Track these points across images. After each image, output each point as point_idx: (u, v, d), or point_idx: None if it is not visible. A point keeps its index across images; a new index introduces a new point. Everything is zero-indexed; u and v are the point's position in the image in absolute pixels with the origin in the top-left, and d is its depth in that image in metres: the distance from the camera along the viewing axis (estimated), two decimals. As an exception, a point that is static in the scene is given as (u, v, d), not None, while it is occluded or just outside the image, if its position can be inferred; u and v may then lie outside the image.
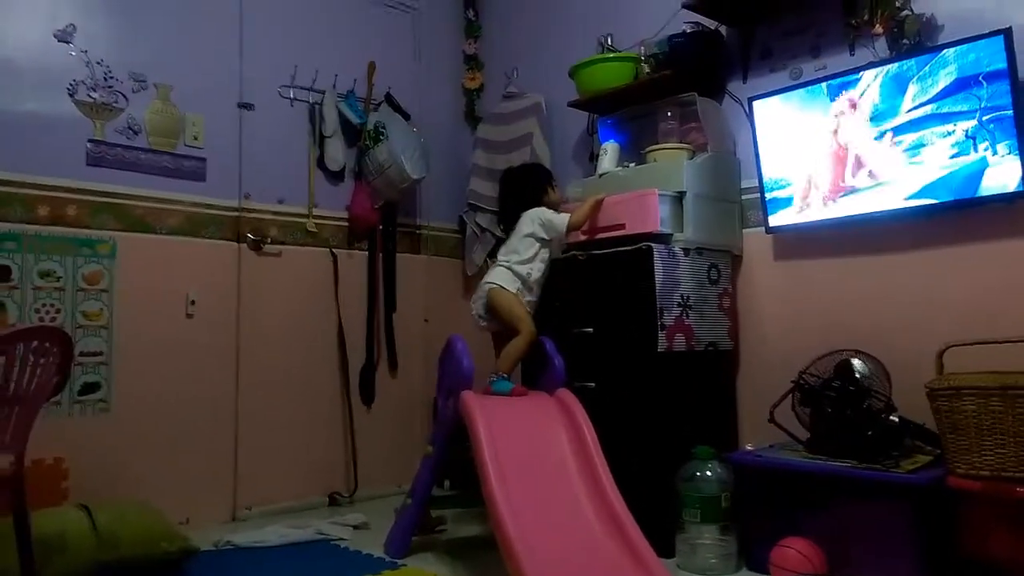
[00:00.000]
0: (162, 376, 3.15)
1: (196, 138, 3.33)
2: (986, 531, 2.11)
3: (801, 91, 2.84)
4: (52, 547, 2.30)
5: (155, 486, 3.04)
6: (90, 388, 2.99)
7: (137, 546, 2.46)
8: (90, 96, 3.06)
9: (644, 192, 2.92)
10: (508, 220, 3.18)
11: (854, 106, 2.70)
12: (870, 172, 2.68)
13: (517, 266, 2.98)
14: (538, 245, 3.01)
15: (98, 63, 3.09)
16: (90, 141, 3.06)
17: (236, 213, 3.41)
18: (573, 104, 3.54)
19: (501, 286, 2.95)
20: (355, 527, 3.12)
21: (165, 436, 3.15)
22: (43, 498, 2.61)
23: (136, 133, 3.19)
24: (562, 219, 3.01)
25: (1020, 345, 2.18)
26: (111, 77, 3.12)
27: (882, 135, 2.64)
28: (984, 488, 2.11)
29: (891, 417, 2.43)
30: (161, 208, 3.21)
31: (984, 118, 2.40)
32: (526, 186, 3.16)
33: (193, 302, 3.25)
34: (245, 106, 3.47)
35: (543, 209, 3.05)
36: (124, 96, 3.16)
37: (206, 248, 3.32)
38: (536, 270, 3.00)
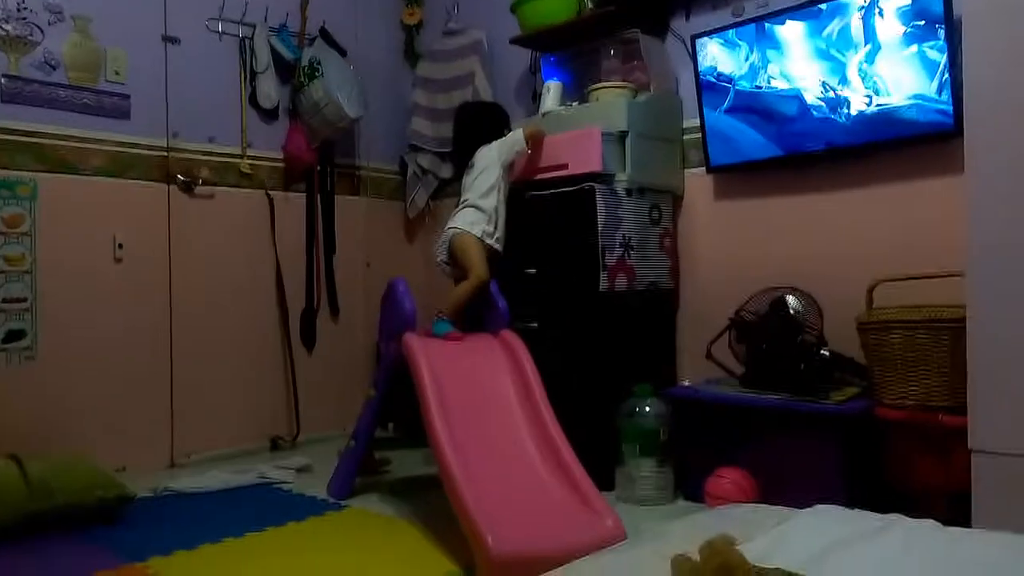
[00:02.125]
0: (91, 322, 3.05)
1: (118, 73, 3.15)
2: (910, 458, 2.21)
3: (740, 29, 2.83)
4: (-19, 498, 2.23)
5: (89, 435, 2.97)
6: (14, 336, 2.87)
7: (71, 494, 2.40)
8: (2, 28, 2.87)
9: (587, 131, 2.90)
10: (463, 157, 3.11)
11: (798, 39, 2.70)
12: (806, 111, 2.70)
13: (480, 200, 2.93)
14: (498, 173, 2.96)
15: (9, -8, 2.89)
16: (4, 76, 2.88)
17: (164, 153, 3.27)
18: (515, 41, 3.47)
19: (464, 230, 2.89)
20: (298, 470, 3.11)
21: (97, 383, 3.06)
22: (-31, 450, 2.52)
23: (54, 68, 3.01)
24: (517, 133, 2.99)
25: (946, 280, 2.25)
26: (24, 8, 2.93)
27: (824, 67, 2.65)
28: (909, 417, 2.20)
29: (823, 351, 2.50)
30: (83, 148, 3.05)
31: (924, 49, 2.43)
32: (485, 124, 3.10)
33: (121, 245, 3.13)
34: (170, 40, 3.30)
35: (496, 141, 3.01)
36: (39, 28, 2.97)
37: (133, 189, 3.18)
38: (500, 202, 2.96)
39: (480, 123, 3.12)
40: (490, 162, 2.98)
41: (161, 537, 2.32)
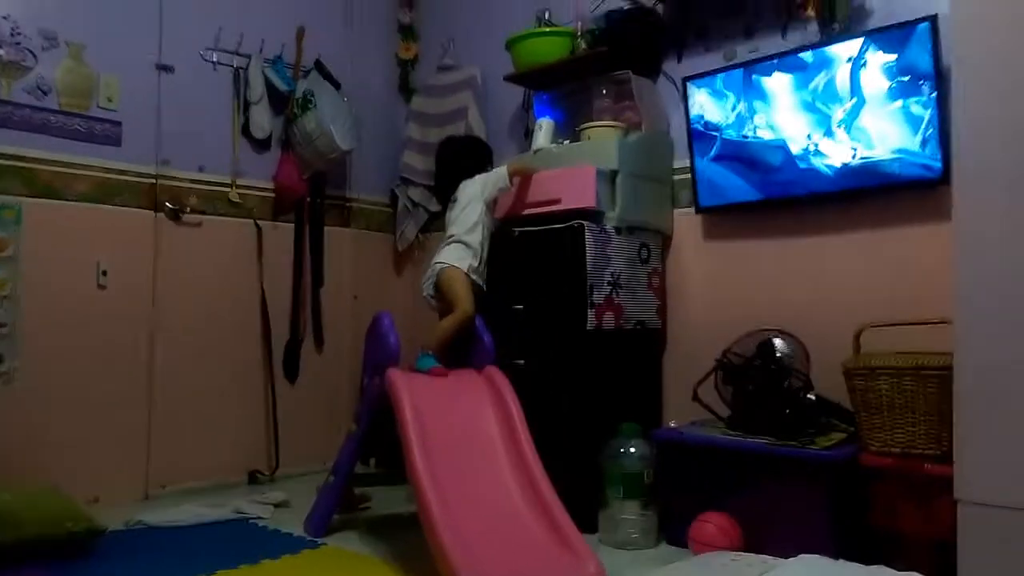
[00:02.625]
0: (71, 349, 3.01)
1: (111, 100, 3.16)
2: (895, 505, 2.18)
3: (732, 73, 2.85)
4: (-55, 528, 2.18)
5: (63, 463, 2.91)
6: (-8, 360, 2.83)
7: (39, 526, 2.34)
8: (-5, 53, 2.88)
9: (581, 168, 2.90)
10: (445, 191, 3.13)
11: (784, 91, 2.73)
12: (796, 156, 2.71)
13: (466, 236, 2.94)
14: (481, 209, 2.98)
15: (4, 18, 2.89)
16: (-5, 101, 2.88)
17: (152, 180, 3.26)
18: (509, 78, 3.50)
19: (452, 265, 2.89)
20: (275, 505, 3.04)
21: (73, 411, 3.00)
22: (-62, 477, 2.47)
23: (46, 93, 3.01)
24: (500, 170, 3.01)
25: (934, 327, 2.24)
26: (18, 33, 2.93)
27: (809, 120, 2.67)
28: (895, 464, 2.18)
29: (809, 395, 2.48)
30: (70, 173, 3.04)
31: (908, 104, 2.45)
32: (468, 158, 3.14)
33: (105, 272, 3.10)
34: (164, 68, 3.31)
35: (477, 176, 3.04)
36: (33, 54, 2.97)
37: (119, 216, 3.16)
38: (484, 237, 2.98)
39: (462, 158, 3.16)
40: (472, 197, 2.99)
41: (130, 572, 2.27)
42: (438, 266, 2.92)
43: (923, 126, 2.42)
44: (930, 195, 2.45)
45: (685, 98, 2.98)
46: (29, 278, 2.91)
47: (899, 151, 2.48)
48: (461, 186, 3.03)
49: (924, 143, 2.42)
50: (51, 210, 2.98)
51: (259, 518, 2.90)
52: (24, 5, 2.94)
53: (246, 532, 2.76)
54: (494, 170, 3.04)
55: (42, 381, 2.93)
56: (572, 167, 2.94)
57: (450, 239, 2.97)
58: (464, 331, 2.83)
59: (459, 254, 2.91)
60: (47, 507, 2.42)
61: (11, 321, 2.87)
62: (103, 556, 2.43)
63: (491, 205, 3.02)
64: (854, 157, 2.57)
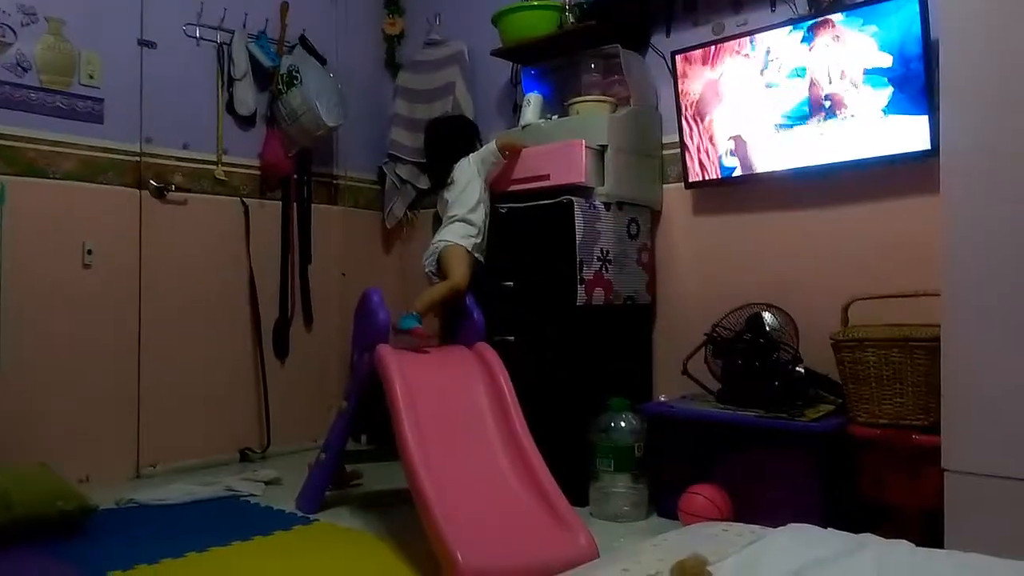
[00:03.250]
0: (57, 329, 2.98)
1: (92, 77, 3.10)
2: (883, 475, 2.21)
3: (720, 45, 2.84)
4: (-66, 509, 2.16)
5: (52, 443, 2.90)
6: (-23, 342, 2.80)
7: (30, 506, 2.33)
8: (-28, 28, 2.82)
9: (570, 143, 2.89)
10: (437, 173, 3.12)
11: (772, 64, 2.72)
12: (785, 130, 2.71)
13: (470, 215, 2.94)
14: (480, 187, 2.98)
15: (-20, -8, 2.84)
16: (-26, 77, 2.83)
17: (137, 158, 3.22)
18: (497, 53, 3.46)
19: (455, 242, 2.89)
20: (267, 483, 3.05)
21: (62, 391, 2.99)
22: (-74, 458, 2.45)
23: (25, 70, 2.95)
24: (490, 145, 3.01)
25: (922, 299, 2.26)
26: (-3, 8, 2.88)
27: (797, 90, 2.67)
28: (882, 435, 2.20)
29: (798, 368, 2.50)
30: (54, 151, 3.00)
31: (897, 77, 2.44)
32: (455, 138, 3.13)
33: (90, 251, 3.07)
34: (146, 44, 3.26)
35: (471, 155, 3.04)
36: (11, 29, 2.91)
37: (104, 194, 3.12)
38: (486, 214, 2.98)
39: (450, 139, 3.14)
40: (471, 176, 2.98)
41: (122, 551, 2.25)
42: (441, 244, 2.91)
43: (912, 98, 2.42)
44: (918, 167, 2.45)
45: (674, 71, 2.96)
46: (13, 258, 2.87)
47: (887, 122, 2.47)
48: (456, 167, 3.02)
49: (914, 116, 2.42)
50: (35, 189, 2.95)
51: (251, 495, 2.91)
52: (1, -21, 2.88)
53: (238, 509, 2.77)
54: (485, 147, 3.03)
55: (29, 361, 2.91)
56: (562, 142, 2.93)
57: (452, 218, 2.96)
58: (452, 301, 2.84)
59: (463, 232, 2.92)
60: (37, 486, 2.41)
61: (-4, 301, 2.85)
62: (95, 534, 2.43)
63: (488, 182, 3.01)
64: (843, 130, 2.57)
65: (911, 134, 2.42)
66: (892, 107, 2.46)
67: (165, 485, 2.94)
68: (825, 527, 1.63)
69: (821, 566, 1.39)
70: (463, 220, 2.93)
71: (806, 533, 1.58)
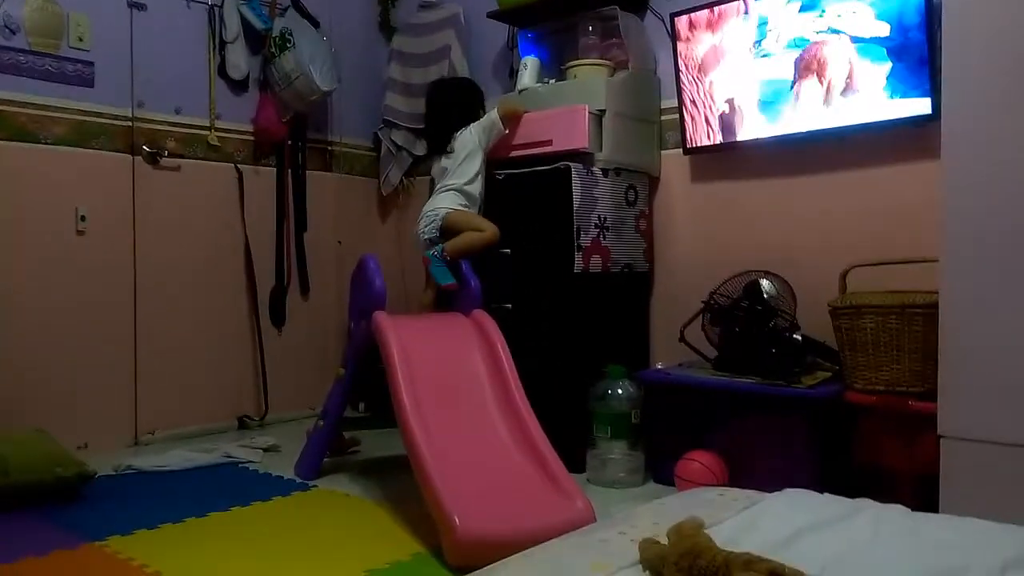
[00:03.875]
0: (52, 296, 2.96)
1: (81, 39, 3.05)
2: (879, 441, 2.22)
3: (720, 8, 2.79)
4: (-69, 475, 2.17)
5: (50, 410, 2.89)
6: (-29, 308, 2.79)
7: (28, 472, 2.34)
8: (-43, -12, 2.76)
9: (573, 108, 2.85)
10: (438, 137, 3.07)
11: (770, 30, 2.68)
12: (783, 94, 2.68)
13: (467, 187, 2.92)
14: (481, 159, 2.95)
15: (-36, -50, 2.77)
16: (-39, 39, 2.78)
17: (128, 123, 3.17)
18: (493, 15, 3.40)
19: (454, 208, 2.88)
20: (265, 450, 3.06)
21: (58, 358, 2.98)
22: (-78, 425, 2.45)
23: (14, 32, 2.90)
24: (491, 115, 2.96)
25: (920, 266, 2.25)
26: (-18, -32, 2.82)
27: (796, 56, 2.63)
28: (879, 401, 2.21)
29: (795, 335, 2.50)
30: (45, 116, 2.95)
31: (900, 40, 2.41)
32: (460, 103, 3.07)
33: (83, 217, 3.04)
34: (136, 6, 3.19)
35: (473, 124, 2.99)
36: (-2, -11, 2.86)
37: (97, 160, 3.08)
38: (481, 187, 2.96)
39: (455, 102, 3.08)
40: (473, 148, 2.95)
41: (121, 516, 2.27)
42: (442, 210, 2.88)
43: (913, 62, 2.39)
44: (918, 133, 2.43)
45: (673, 34, 2.92)
46: (6, 222, 2.85)
47: (888, 88, 2.45)
48: (458, 136, 2.98)
49: (913, 80, 2.39)
50: (27, 153, 2.90)
51: (249, 462, 2.92)
52: (-14, -62, 2.81)
53: (237, 476, 2.78)
54: (486, 116, 2.99)
55: (24, 329, 2.89)
56: (564, 107, 2.89)
57: (446, 187, 2.93)
58: (487, 250, 2.84)
59: (461, 200, 2.90)
60: (35, 452, 2.41)
61: (-11, 268, 2.82)
62: (93, 501, 2.44)
63: (487, 153, 2.99)
64: (844, 94, 2.54)
65: (914, 98, 2.40)
66: (892, 74, 2.43)
67: (164, 452, 2.94)
68: (821, 493, 1.64)
69: (817, 530, 1.40)
70: (458, 190, 2.91)
71: (802, 498, 1.59)
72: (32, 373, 2.91)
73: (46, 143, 2.96)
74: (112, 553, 2.01)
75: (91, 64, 3.07)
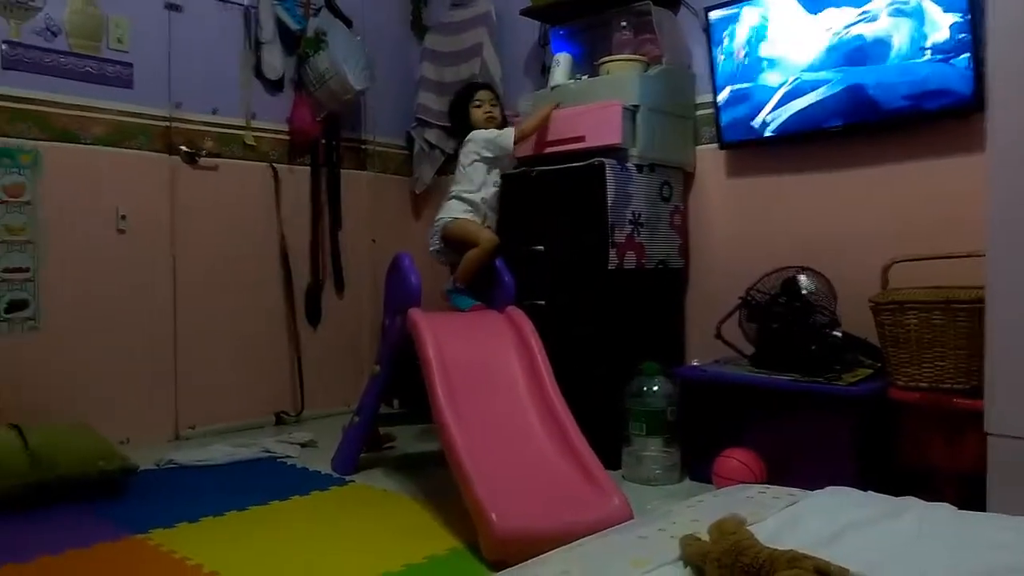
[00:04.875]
0: (94, 293, 3.02)
1: (120, 41, 3.10)
2: (923, 440, 2.17)
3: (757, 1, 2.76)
4: (-19, 468, 2.22)
5: (92, 406, 2.94)
6: (17, 306, 2.84)
7: (72, 465, 2.39)
8: (2, -7, 2.82)
9: (606, 103, 2.84)
10: (455, 133, 3.16)
11: (809, 16, 2.64)
12: (824, 84, 2.63)
13: (466, 194, 2.95)
14: (485, 168, 2.97)
15: (8, -45, 2.84)
16: (5, 43, 2.83)
17: (167, 123, 3.23)
18: (525, 12, 3.40)
19: (453, 218, 2.92)
20: (302, 445, 3.09)
21: (100, 355, 3.03)
22: (-29, 419, 2.50)
23: (55, 35, 2.96)
24: (507, 134, 2.96)
25: (964, 260, 2.20)
26: (24, -28, 2.88)
27: (837, 44, 2.59)
28: (923, 399, 2.16)
29: (835, 332, 2.46)
30: (85, 116, 3.01)
31: (942, 24, 2.36)
32: (452, 112, 3.15)
33: (124, 216, 3.09)
34: (173, 7, 3.24)
35: (481, 132, 3.00)
36: (40, -7, 2.92)
37: (136, 160, 3.14)
38: (488, 193, 2.98)
39: (451, 113, 3.16)
40: (475, 157, 2.97)
41: (163, 509, 2.30)
42: (442, 221, 2.93)
43: (956, 51, 2.34)
44: (961, 124, 2.38)
45: (708, 29, 2.89)
46: (48, 223, 2.91)
47: (931, 78, 2.40)
48: (471, 136, 3.01)
49: (957, 69, 2.34)
50: (68, 154, 2.97)
51: (287, 457, 2.95)
52: (30, -56, 2.87)
53: (275, 470, 2.81)
54: (504, 131, 2.99)
55: (67, 326, 2.95)
56: (597, 103, 2.88)
57: (450, 194, 3.00)
58: (490, 260, 2.86)
59: (461, 208, 2.94)
60: (80, 446, 2.46)
61: (32, 266, 2.88)
62: (136, 494, 2.48)
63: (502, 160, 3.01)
64: (885, 85, 2.49)
65: (957, 87, 2.35)
66: (937, 59, 2.38)
67: (204, 447, 2.99)
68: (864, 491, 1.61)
69: (862, 528, 1.37)
70: (460, 198, 2.95)
71: (846, 495, 1.56)
72: (76, 369, 2.97)
73: (87, 143, 3.02)
74: (155, 546, 2.04)
75: (130, 65, 3.13)
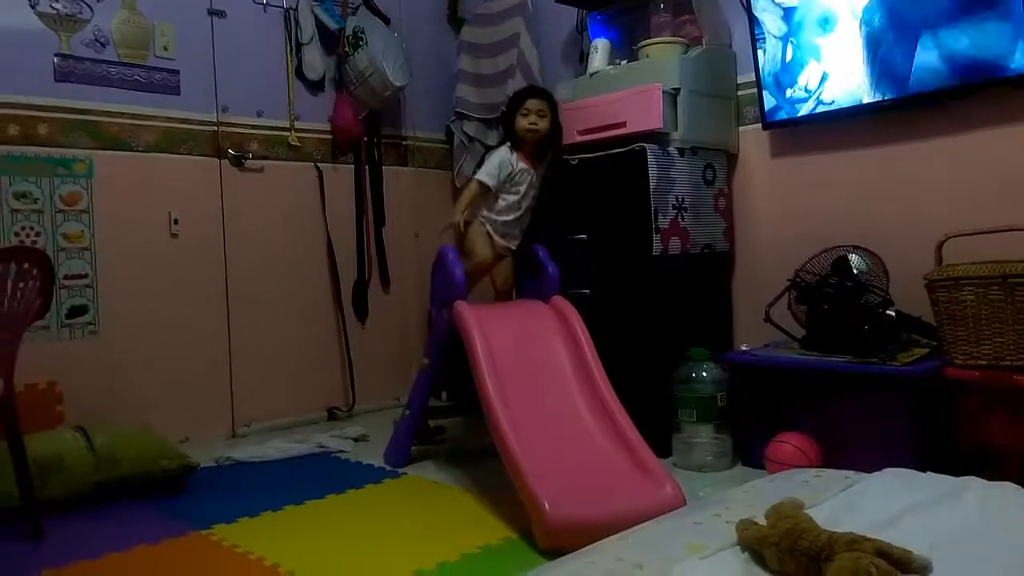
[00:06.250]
0: (150, 297, 3.11)
1: (167, 48, 3.18)
2: (984, 419, 2.12)
3: (799, -24, 2.71)
4: (50, 469, 2.30)
5: (151, 406, 3.04)
6: (77, 311, 2.94)
7: (136, 464, 2.47)
8: (52, 7, 2.90)
9: (646, 88, 2.82)
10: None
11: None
12: (871, 59, 2.57)
13: (486, 212, 2.89)
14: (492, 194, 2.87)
15: (57, -29, 2.92)
16: (57, 55, 2.92)
17: (214, 128, 3.30)
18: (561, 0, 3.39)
19: (465, 226, 2.86)
20: (355, 439, 3.14)
21: (158, 356, 3.12)
22: (38, 422, 2.59)
23: (104, 46, 3.04)
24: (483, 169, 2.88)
25: (1018, 234, 2.14)
26: (72, -15, 2.96)
27: (883, 19, 2.52)
28: (982, 377, 2.11)
29: (888, 311, 2.41)
30: (136, 124, 3.09)
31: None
32: (503, 117, 3.03)
33: (176, 221, 3.17)
34: (216, 13, 3.31)
35: (492, 157, 2.90)
36: (88, 6, 3.00)
37: (186, 165, 3.22)
38: (498, 209, 2.88)
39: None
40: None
41: (224, 505, 2.36)
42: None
43: (1011, 20, 2.26)
44: (1011, 93, 2.29)
45: (749, 5, 2.84)
46: (105, 229, 3.00)
47: (988, 45, 2.31)
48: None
49: (1015, 32, 2.26)
50: (120, 161, 3.05)
51: (340, 452, 3.00)
52: (77, -42, 2.96)
53: (329, 465, 2.86)
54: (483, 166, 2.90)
55: (125, 329, 3.04)
56: (636, 88, 2.85)
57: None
58: (483, 275, 2.89)
59: (481, 216, 2.88)
60: (142, 446, 2.54)
61: (91, 272, 2.98)
62: (197, 491, 2.56)
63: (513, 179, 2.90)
64: (939, 55, 2.42)
65: (1008, 57, 2.27)
66: (995, 24, 2.30)
67: (260, 443, 3.06)
68: (923, 472, 1.59)
69: (922, 509, 1.35)
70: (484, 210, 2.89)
71: (905, 477, 1.54)
72: (135, 371, 3.06)
73: (138, 150, 3.10)
74: (218, 541, 2.10)
75: (176, 72, 3.20)
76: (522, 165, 2.87)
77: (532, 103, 2.87)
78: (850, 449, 2.31)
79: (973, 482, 1.49)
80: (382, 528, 2.17)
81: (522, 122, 2.86)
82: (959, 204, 2.48)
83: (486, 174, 2.83)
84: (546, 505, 1.93)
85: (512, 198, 2.88)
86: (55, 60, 2.91)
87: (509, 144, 2.89)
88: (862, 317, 2.41)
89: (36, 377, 2.76)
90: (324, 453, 2.99)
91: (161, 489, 2.51)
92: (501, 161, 2.85)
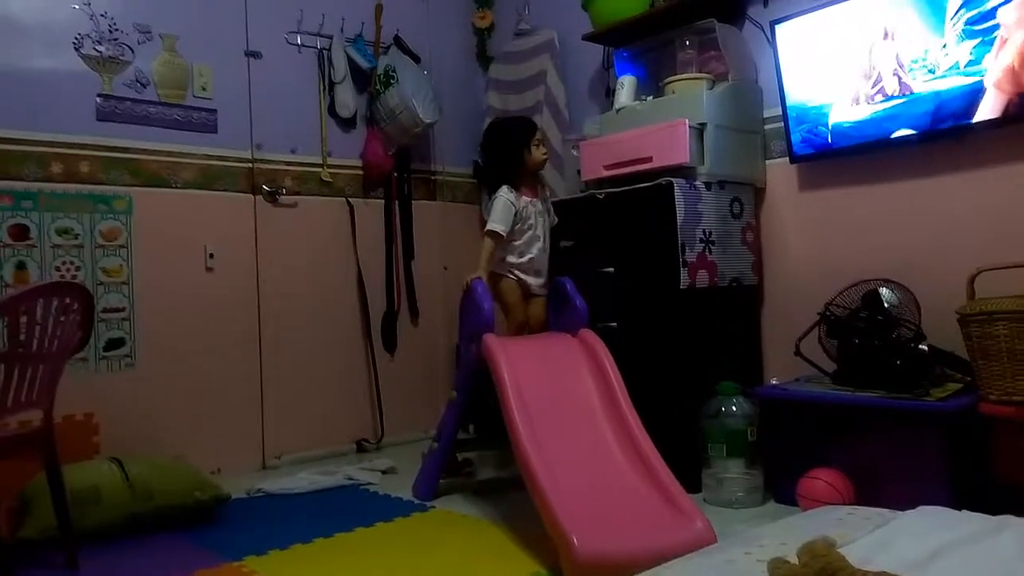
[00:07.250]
0: (185, 330, 3.17)
1: (204, 88, 3.28)
2: (1019, 455, 2.08)
3: (825, 11, 2.73)
4: (87, 500, 2.35)
5: (185, 438, 3.08)
6: (115, 344, 3.01)
7: (170, 496, 2.50)
8: (96, 50, 3.02)
9: (672, 123, 2.84)
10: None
11: (883, 27, 2.59)
12: (898, 92, 2.58)
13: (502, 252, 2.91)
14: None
15: (102, 15, 3.04)
16: (99, 96, 3.03)
17: (249, 164, 3.38)
18: (588, 37, 3.44)
19: (504, 275, 2.92)
20: (383, 472, 3.16)
21: (192, 389, 3.18)
22: (75, 453, 2.65)
23: (144, 86, 3.14)
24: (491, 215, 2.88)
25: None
26: (116, 29, 3.07)
27: (914, 53, 2.54)
28: (1017, 413, 2.08)
29: (920, 346, 2.38)
30: (174, 162, 3.18)
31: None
32: (502, 150, 2.94)
33: (212, 255, 3.25)
34: (252, 54, 3.41)
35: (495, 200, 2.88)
36: (130, 48, 3.11)
37: (222, 201, 3.30)
38: (506, 252, 2.90)
39: (488, 154, 3.08)
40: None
41: (256, 537, 2.39)
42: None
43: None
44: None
45: (774, 42, 2.87)
46: (143, 264, 3.08)
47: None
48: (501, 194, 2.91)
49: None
50: (159, 198, 3.14)
51: (369, 484, 3.02)
52: (121, 2, 3.07)
53: (358, 497, 2.88)
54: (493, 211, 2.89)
55: (161, 362, 3.10)
56: (663, 123, 2.88)
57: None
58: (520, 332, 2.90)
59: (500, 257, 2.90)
60: (175, 477, 2.58)
61: (128, 306, 3.05)
62: (229, 521, 2.59)
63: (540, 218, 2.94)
64: (964, 90, 2.42)
65: (1039, 91, 2.27)
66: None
67: (290, 475, 3.09)
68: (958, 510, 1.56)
69: (958, 548, 1.33)
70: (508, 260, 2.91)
71: (940, 515, 1.52)
72: (169, 402, 3.11)
73: (176, 187, 3.19)
74: (249, 572, 2.12)
75: (214, 111, 3.30)
76: (525, 199, 2.90)
77: (539, 132, 2.93)
78: (883, 485, 2.28)
79: (1010, 520, 1.46)
80: (411, 562, 2.18)
81: (537, 154, 2.89)
82: (990, 237, 2.46)
83: (496, 222, 2.83)
84: (575, 540, 1.92)
85: (528, 233, 2.90)
86: (97, 100, 3.02)
87: (507, 186, 2.87)
88: (894, 351, 2.39)
89: (74, 408, 2.82)
90: (353, 485, 3.01)
91: (194, 520, 2.54)
92: (505, 205, 2.84)
